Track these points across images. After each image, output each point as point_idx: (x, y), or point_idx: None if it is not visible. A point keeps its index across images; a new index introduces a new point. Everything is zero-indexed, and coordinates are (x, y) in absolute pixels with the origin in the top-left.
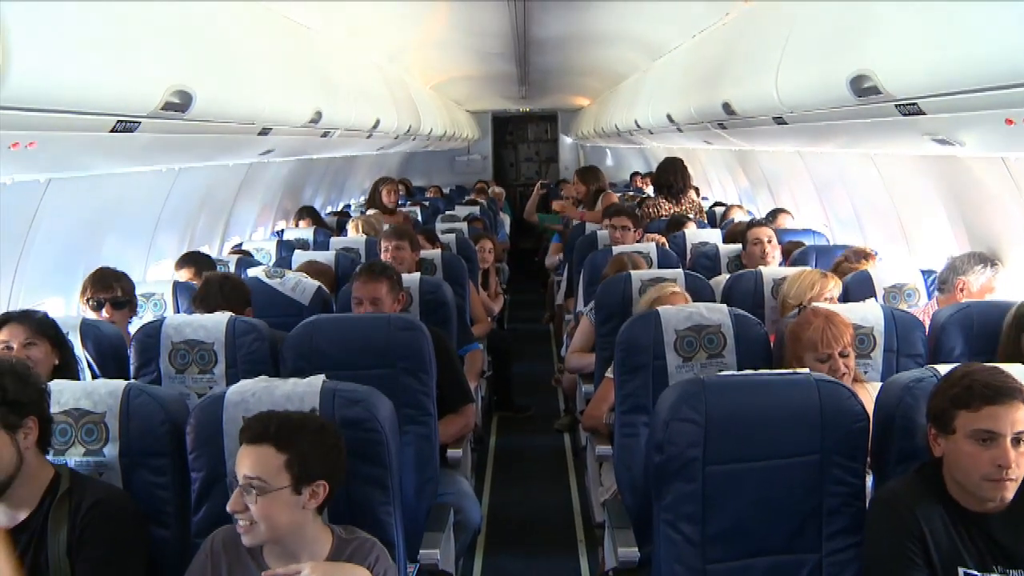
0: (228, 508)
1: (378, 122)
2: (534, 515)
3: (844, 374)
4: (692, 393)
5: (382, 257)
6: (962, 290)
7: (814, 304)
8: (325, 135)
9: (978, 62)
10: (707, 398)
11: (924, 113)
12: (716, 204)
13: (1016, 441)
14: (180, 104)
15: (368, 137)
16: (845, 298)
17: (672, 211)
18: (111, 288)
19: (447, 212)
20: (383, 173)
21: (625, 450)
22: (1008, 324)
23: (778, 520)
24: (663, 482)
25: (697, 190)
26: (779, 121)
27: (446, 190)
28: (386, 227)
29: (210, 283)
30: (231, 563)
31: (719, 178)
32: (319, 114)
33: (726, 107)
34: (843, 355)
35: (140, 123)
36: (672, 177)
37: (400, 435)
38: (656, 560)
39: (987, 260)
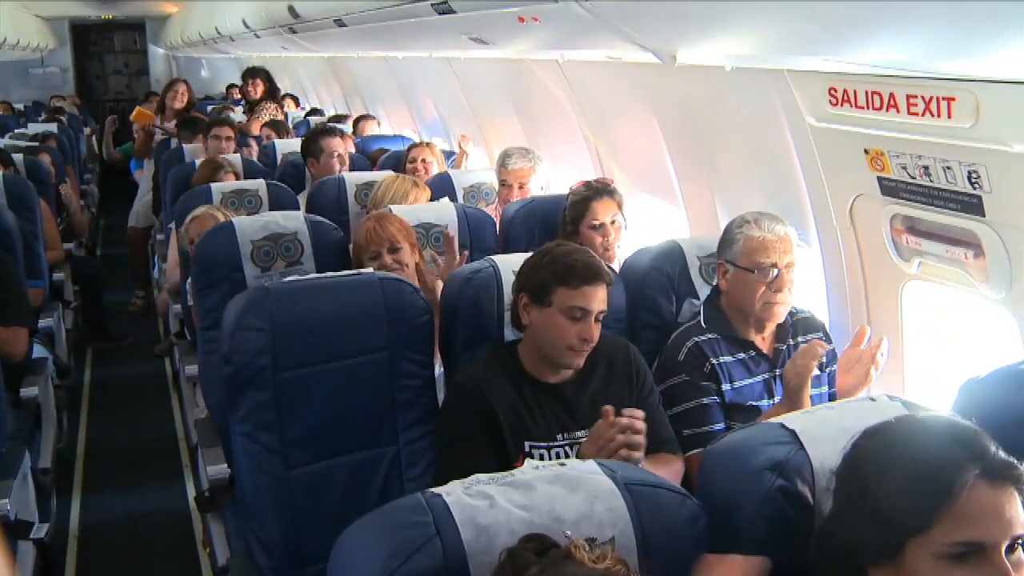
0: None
1: None
2: (137, 445)
3: (396, 269)
4: (256, 300)
5: None
6: (521, 187)
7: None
8: None
9: None
10: (272, 305)
11: (455, 12)
12: (312, 112)
13: (596, 318)
14: None
15: None
16: None
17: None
18: None
19: (16, 130)
20: None
21: (209, 367)
22: (561, 215)
23: (355, 419)
24: (235, 393)
25: (296, 100)
26: (340, 24)
27: (20, 106)
28: None
29: None
30: None
31: (314, 87)
32: None
33: (291, 11)
34: (392, 250)
35: None
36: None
37: None
38: (238, 472)
39: (527, 153)
